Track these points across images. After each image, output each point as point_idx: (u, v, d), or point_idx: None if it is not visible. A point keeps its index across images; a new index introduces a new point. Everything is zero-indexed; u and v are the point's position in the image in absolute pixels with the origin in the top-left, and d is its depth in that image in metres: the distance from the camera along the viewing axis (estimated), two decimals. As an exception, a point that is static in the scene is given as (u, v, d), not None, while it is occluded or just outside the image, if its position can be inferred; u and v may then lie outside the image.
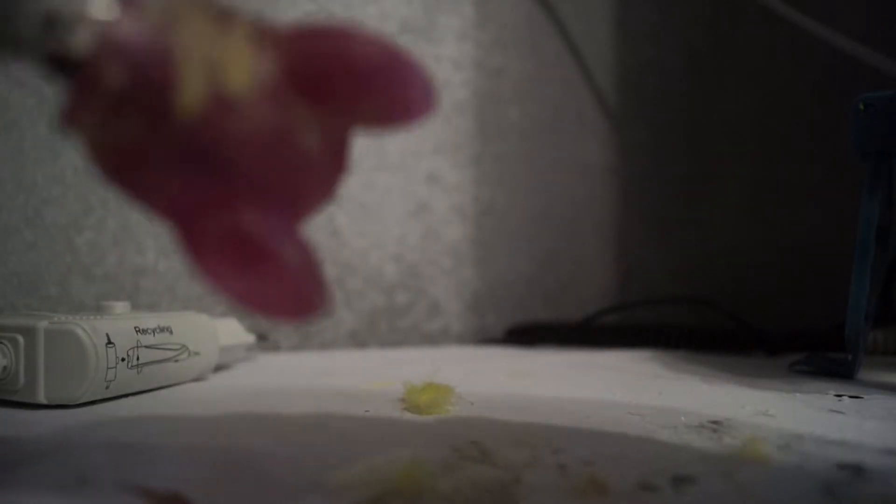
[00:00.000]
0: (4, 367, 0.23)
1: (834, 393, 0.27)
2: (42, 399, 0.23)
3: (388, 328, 0.47)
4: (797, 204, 0.57)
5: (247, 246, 0.14)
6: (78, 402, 0.23)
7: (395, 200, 0.47)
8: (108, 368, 0.23)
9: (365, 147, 0.46)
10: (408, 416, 0.23)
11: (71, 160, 0.36)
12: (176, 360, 0.27)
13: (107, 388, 0.24)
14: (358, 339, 0.46)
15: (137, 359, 0.25)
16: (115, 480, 0.16)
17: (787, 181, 0.58)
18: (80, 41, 0.13)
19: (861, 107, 0.30)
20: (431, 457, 0.17)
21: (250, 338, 0.35)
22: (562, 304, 0.53)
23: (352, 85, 0.14)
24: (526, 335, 0.47)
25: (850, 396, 0.27)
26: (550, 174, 0.53)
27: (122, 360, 0.24)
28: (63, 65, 0.13)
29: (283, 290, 0.14)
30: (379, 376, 0.31)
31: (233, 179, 0.14)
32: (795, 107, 0.58)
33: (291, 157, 0.14)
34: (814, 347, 0.37)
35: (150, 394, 0.26)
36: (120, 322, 0.25)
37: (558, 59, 0.53)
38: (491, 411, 0.24)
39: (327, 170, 0.15)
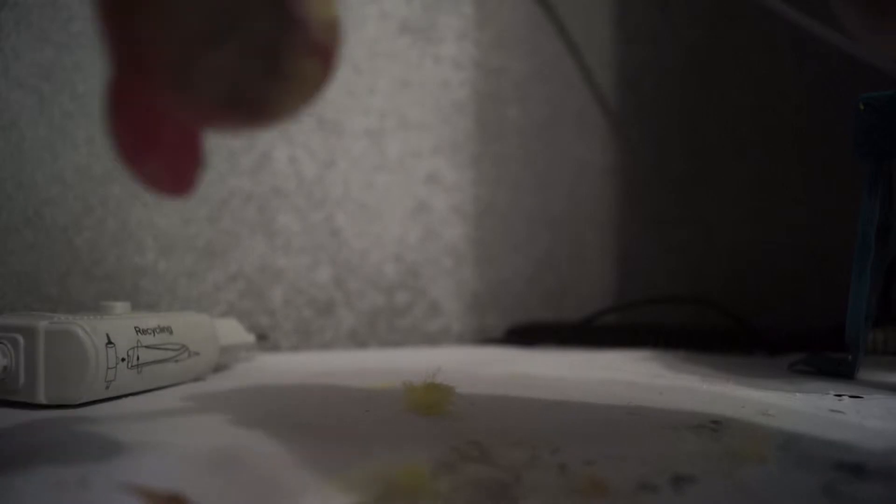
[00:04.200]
0: (4, 367, 0.23)
1: (834, 393, 0.27)
2: (42, 399, 0.23)
3: (388, 328, 0.47)
4: (797, 204, 0.57)
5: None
6: (78, 402, 0.23)
7: (395, 200, 0.47)
8: (108, 368, 0.24)
9: (365, 147, 0.46)
10: (408, 416, 0.23)
11: (71, 160, 0.36)
12: (176, 361, 0.27)
13: (107, 388, 0.24)
14: (358, 339, 0.45)
15: (137, 359, 0.25)
16: (115, 480, 0.16)
17: (786, 181, 0.58)
18: None
19: (861, 107, 0.30)
20: (431, 457, 0.17)
21: (250, 338, 0.35)
22: (562, 304, 0.53)
23: None
24: (526, 335, 0.47)
25: (850, 396, 0.27)
26: (550, 174, 0.53)
27: (123, 360, 0.24)
28: None
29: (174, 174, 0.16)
30: (379, 376, 0.31)
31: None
32: (795, 106, 0.58)
33: None
34: (814, 347, 0.37)
35: (150, 394, 0.26)
36: (120, 322, 0.25)
37: (558, 59, 0.53)
38: (491, 411, 0.24)
39: None
